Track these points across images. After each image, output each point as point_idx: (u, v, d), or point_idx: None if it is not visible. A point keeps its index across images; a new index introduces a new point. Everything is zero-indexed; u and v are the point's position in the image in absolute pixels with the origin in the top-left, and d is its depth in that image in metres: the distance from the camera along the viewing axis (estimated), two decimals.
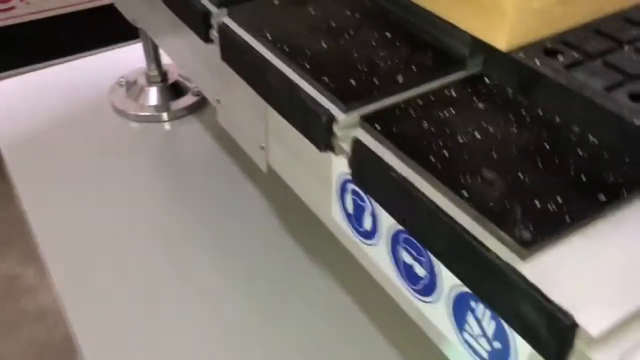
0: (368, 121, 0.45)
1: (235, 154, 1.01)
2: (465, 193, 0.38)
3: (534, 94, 0.46)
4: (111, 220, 0.91)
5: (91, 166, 1.00)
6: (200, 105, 1.11)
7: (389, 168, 0.42)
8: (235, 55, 0.58)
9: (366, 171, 0.45)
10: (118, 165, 1.00)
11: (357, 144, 0.45)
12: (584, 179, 0.39)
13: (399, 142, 0.43)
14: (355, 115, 0.47)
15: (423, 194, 0.40)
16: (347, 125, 0.47)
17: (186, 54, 0.79)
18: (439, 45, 0.53)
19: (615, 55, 0.47)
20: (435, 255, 0.41)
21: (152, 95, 1.10)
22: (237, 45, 0.57)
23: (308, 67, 0.51)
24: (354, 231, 0.52)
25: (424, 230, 0.41)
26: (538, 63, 0.46)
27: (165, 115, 1.08)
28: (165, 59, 1.10)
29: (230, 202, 0.94)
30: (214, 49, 0.61)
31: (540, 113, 0.45)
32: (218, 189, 0.96)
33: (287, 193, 0.83)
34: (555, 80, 0.44)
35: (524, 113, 0.46)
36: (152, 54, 1.08)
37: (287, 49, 0.53)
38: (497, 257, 0.36)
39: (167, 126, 1.08)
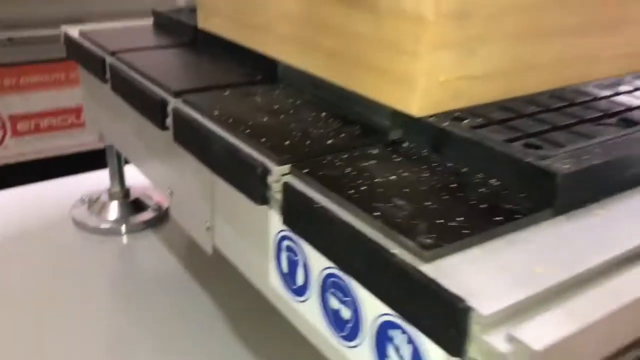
0: (298, 167, 0.50)
1: (191, 268, 1.03)
2: (377, 213, 0.42)
3: (444, 151, 0.52)
4: (63, 332, 0.89)
5: (45, 278, 1.01)
6: (159, 220, 1.14)
7: (314, 203, 0.46)
8: (186, 133, 0.64)
9: (295, 211, 0.49)
10: (73, 277, 1.00)
11: (287, 188, 0.49)
12: (483, 207, 0.44)
13: (324, 181, 0.48)
14: (287, 167, 0.51)
15: (343, 220, 0.44)
16: (280, 176, 0.51)
17: (144, 153, 0.85)
18: (366, 120, 0.60)
19: (515, 121, 0.53)
20: (355, 277, 0.44)
21: (113, 210, 1.14)
22: (188, 123, 0.63)
23: (249, 132, 0.57)
24: (289, 291, 0.55)
25: (345, 254, 0.44)
26: (447, 124, 0.52)
27: (124, 229, 1.11)
28: (129, 178, 1.16)
29: (185, 315, 0.94)
30: (169, 141, 0.67)
31: (449, 165, 0.51)
32: (173, 301, 0.96)
33: (242, 306, 0.85)
34: (461, 135, 0.50)
35: (435, 165, 0.51)
36: (117, 172, 1.13)
37: (232, 122, 0.59)
38: (403, 261, 0.39)
39: (125, 240, 1.11)
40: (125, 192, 1.16)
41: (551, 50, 0.60)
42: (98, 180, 1.24)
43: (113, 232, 1.12)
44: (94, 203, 1.16)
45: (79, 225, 1.13)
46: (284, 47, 0.70)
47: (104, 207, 1.15)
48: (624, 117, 0.55)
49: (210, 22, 0.85)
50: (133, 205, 1.16)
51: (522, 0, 0.55)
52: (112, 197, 1.15)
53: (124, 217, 1.14)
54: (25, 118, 1.88)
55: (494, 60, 0.56)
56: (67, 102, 1.91)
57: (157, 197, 1.19)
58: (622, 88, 0.63)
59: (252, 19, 0.74)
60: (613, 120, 0.56)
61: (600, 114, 0.56)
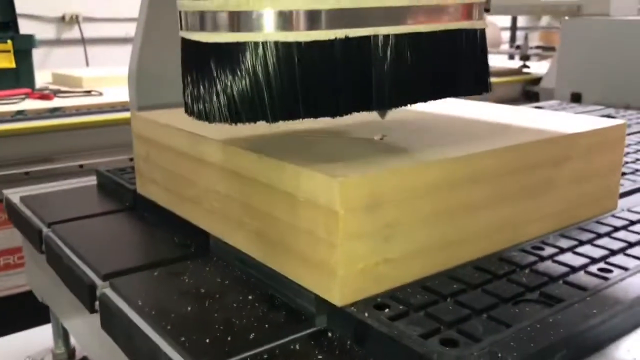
0: None
1: None
2: None
3: (366, 344, 0.51)
4: None
5: None
6: None
7: None
8: (111, 322, 0.63)
9: None
10: None
11: None
12: None
13: None
14: None
15: None
16: None
17: (82, 329, 0.82)
18: (292, 305, 0.59)
19: (435, 306, 0.53)
20: None
21: None
22: (113, 313, 0.62)
23: (170, 329, 0.55)
24: None
25: None
26: (366, 315, 0.52)
27: None
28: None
29: None
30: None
31: None
32: None
33: None
34: (379, 329, 0.50)
35: None
36: (61, 332, 1.10)
37: (155, 314, 0.58)
38: None
39: None
40: (70, 354, 1.11)
41: (471, 224, 0.61)
42: (41, 336, 1.19)
43: None
44: None
45: None
46: (213, 221, 0.70)
47: None
48: (544, 292, 0.56)
49: (147, 188, 0.85)
50: None
51: (433, 181, 0.57)
52: (56, 359, 1.11)
53: None
54: None
55: (412, 241, 0.57)
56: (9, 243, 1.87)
57: None
58: (546, 251, 0.64)
59: (184, 190, 0.75)
60: (535, 295, 0.56)
61: (522, 289, 0.56)
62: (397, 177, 0.55)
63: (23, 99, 2.04)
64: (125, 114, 1.82)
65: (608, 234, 0.69)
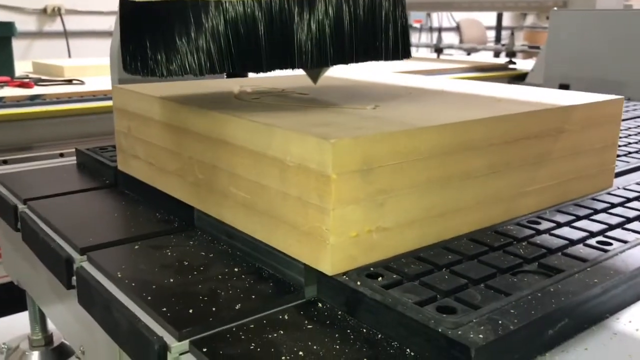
0: (197, 345, 0.46)
1: None
2: None
3: (358, 314, 0.49)
4: None
5: None
6: None
7: None
8: (89, 296, 0.59)
9: None
10: None
11: None
12: None
13: None
14: (186, 344, 0.47)
15: None
16: (179, 355, 0.47)
17: (58, 307, 0.79)
18: (281, 276, 0.56)
19: (431, 275, 0.51)
20: None
21: None
22: (90, 287, 0.58)
23: (151, 299, 0.52)
24: None
25: None
26: (358, 283, 0.49)
27: None
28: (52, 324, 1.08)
29: None
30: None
31: (364, 330, 0.47)
32: None
33: None
34: (373, 297, 0.47)
35: (349, 331, 0.47)
36: (38, 318, 1.06)
37: (135, 286, 0.55)
38: None
39: None
40: (47, 339, 1.07)
41: (466, 195, 0.59)
42: (18, 322, 1.15)
43: None
44: (12, 352, 1.07)
45: None
46: (197, 194, 0.67)
47: (23, 357, 1.06)
48: (543, 263, 0.54)
49: (128, 164, 0.82)
50: (57, 352, 1.07)
51: (427, 147, 0.55)
52: (32, 345, 1.07)
53: None
54: None
55: (406, 210, 0.54)
56: None
57: None
58: (543, 225, 0.62)
59: (167, 164, 0.72)
60: (533, 266, 0.54)
61: (520, 260, 0.54)
62: (391, 142, 0.52)
63: (2, 86, 1.99)
64: (108, 103, 1.79)
65: (605, 210, 0.67)
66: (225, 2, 0.56)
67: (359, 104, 0.66)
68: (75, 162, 1.01)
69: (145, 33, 0.58)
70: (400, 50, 0.64)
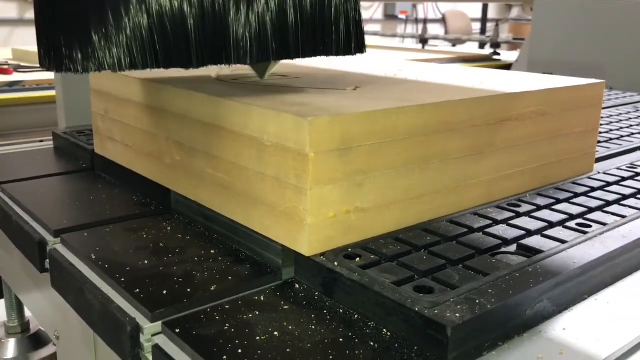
0: (170, 327, 0.45)
1: None
2: None
3: (335, 294, 0.48)
4: None
5: None
6: None
7: None
8: (62, 279, 0.58)
9: None
10: None
11: (157, 351, 0.44)
12: None
13: (196, 344, 0.42)
14: (159, 325, 0.46)
15: None
16: (151, 336, 0.46)
17: (32, 291, 0.77)
18: (258, 258, 0.56)
19: (409, 256, 0.50)
20: None
21: (10, 349, 1.03)
22: (64, 269, 0.57)
23: (124, 280, 0.51)
24: None
25: None
26: (336, 264, 0.49)
27: None
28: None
29: None
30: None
31: (341, 311, 0.47)
32: None
33: None
34: (350, 277, 0.47)
35: (325, 311, 0.47)
36: (14, 304, 1.04)
37: (108, 267, 0.54)
38: None
39: None
40: (24, 326, 1.06)
41: (446, 176, 0.59)
42: None
43: None
44: None
45: None
46: (174, 176, 0.66)
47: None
48: (522, 244, 0.53)
49: (105, 147, 0.80)
50: (33, 340, 1.06)
51: (406, 127, 0.54)
52: (8, 332, 1.05)
53: (23, 356, 1.03)
54: None
55: (385, 190, 0.54)
56: None
57: None
58: (523, 208, 0.62)
59: (144, 146, 0.71)
60: (512, 247, 0.53)
61: (499, 242, 0.54)
62: (370, 120, 0.51)
63: None
64: None
65: (585, 194, 0.67)
66: None
67: (340, 87, 0.65)
68: (52, 145, 0.99)
69: (60, 26, 0.54)
70: (352, 45, 0.60)
